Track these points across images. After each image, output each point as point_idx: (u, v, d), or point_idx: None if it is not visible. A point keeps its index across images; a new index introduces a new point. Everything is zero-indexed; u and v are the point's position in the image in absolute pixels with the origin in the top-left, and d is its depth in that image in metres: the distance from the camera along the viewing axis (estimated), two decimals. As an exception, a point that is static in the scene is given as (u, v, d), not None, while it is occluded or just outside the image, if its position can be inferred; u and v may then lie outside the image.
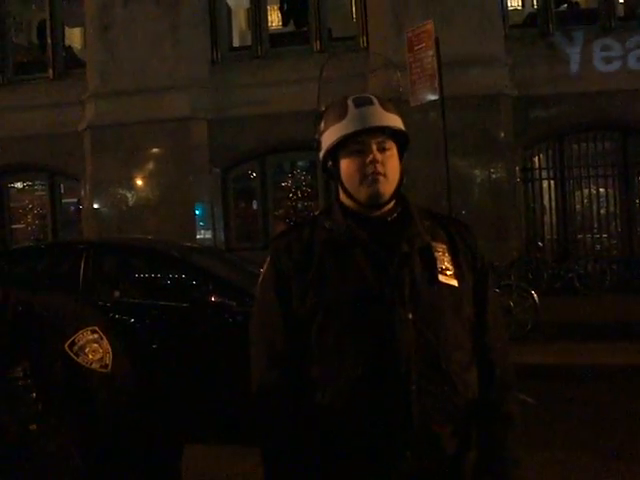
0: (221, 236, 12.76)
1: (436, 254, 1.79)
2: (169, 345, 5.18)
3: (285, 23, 14.48)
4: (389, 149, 1.79)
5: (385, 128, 1.77)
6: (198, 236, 12.26)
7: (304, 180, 13.01)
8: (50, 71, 13.79)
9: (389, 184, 1.78)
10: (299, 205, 13.06)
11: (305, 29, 13.15)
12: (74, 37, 18.36)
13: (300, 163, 13.31)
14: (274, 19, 16.41)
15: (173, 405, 4.56)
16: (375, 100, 1.80)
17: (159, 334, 5.25)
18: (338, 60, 10.78)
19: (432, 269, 1.77)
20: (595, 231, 12.87)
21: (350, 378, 1.71)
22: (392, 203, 1.83)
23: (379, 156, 1.76)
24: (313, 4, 12.71)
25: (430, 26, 8.27)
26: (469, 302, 1.82)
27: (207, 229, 12.54)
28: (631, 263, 12.17)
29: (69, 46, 15.48)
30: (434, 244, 1.81)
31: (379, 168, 1.75)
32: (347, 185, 1.80)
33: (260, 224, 12.93)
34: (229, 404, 4.89)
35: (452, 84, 8.80)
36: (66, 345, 1.54)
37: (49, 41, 13.90)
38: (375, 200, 1.78)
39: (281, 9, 14.53)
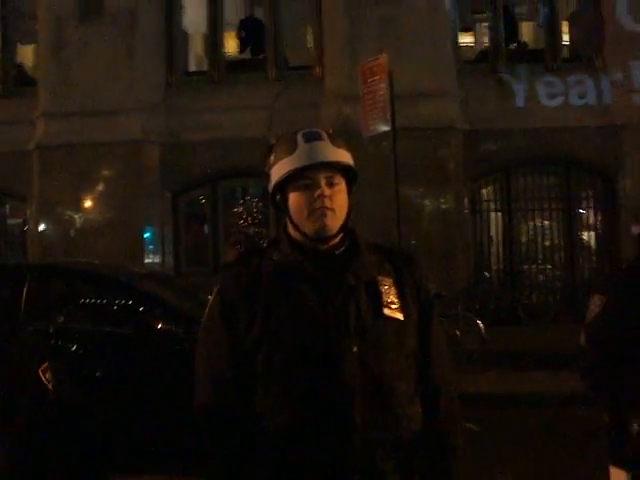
0: (170, 260, 12.62)
1: (382, 288, 1.82)
2: (113, 372, 5.08)
3: (242, 50, 14.55)
4: (338, 184, 1.81)
5: (334, 163, 1.80)
6: (147, 260, 12.11)
7: (255, 206, 13.01)
8: (-1, 88, 13.53)
9: (337, 218, 1.81)
10: (250, 231, 13.03)
11: (261, 57, 13.24)
12: (26, 55, 18.09)
13: (252, 189, 13.31)
14: (231, 45, 16.47)
15: (110, 432, 4.47)
16: (324, 135, 1.83)
17: (104, 360, 5.14)
18: (292, 89, 10.90)
19: (378, 303, 1.80)
20: (539, 262, 13.19)
21: (294, 409, 1.72)
22: (340, 236, 1.85)
23: (327, 191, 1.78)
24: (270, 32, 12.84)
25: (384, 59, 8.43)
26: (414, 335, 1.85)
27: (156, 253, 12.40)
28: (573, 294, 12.48)
29: (20, 64, 15.23)
30: (380, 278, 1.83)
31: (327, 203, 1.78)
32: (295, 218, 1.82)
33: (210, 249, 12.84)
34: (172, 432, 4.81)
35: (405, 116, 8.97)
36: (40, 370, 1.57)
37: (-1, 57, 13.66)
38: (322, 233, 1.80)
39: (238, 35, 14.59)
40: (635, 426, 2.54)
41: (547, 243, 13.28)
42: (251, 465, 1.75)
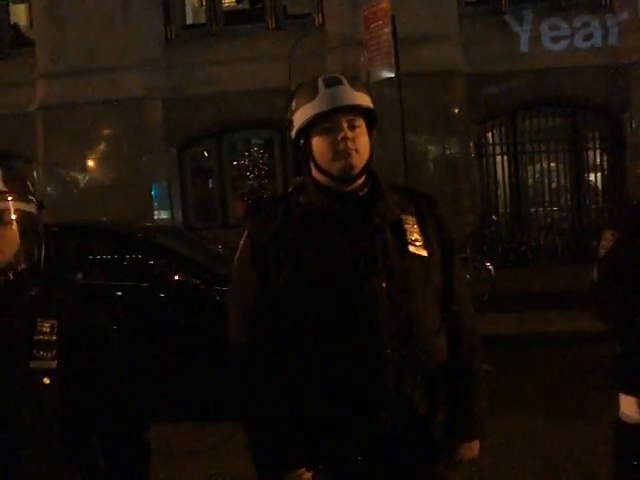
0: (179, 216, 12.69)
1: (406, 226, 1.89)
2: (136, 325, 5.20)
3: (239, 0, 14.32)
4: (359, 126, 1.87)
5: (355, 107, 1.86)
6: (155, 216, 12.17)
7: (260, 158, 12.99)
8: (-5, 50, 13.39)
9: (360, 158, 1.87)
10: (256, 183, 13.05)
11: (260, 6, 13.04)
12: (20, 14, 17.82)
13: (255, 141, 13.27)
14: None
15: (138, 383, 4.60)
16: (344, 80, 1.88)
17: (125, 314, 5.26)
18: (294, 38, 10.76)
19: (403, 240, 1.87)
20: (546, 204, 13.21)
21: (327, 342, 1.81)
22: (363, 178, 1.92)
23: (350, 133, 1.85)
24: (267, -19, 12.58)
25: (386, 4, 8.33)
26: (438, 271, 1.93)
27: (164, 209, 12.46)
28: (580, 234, 12.54)
29: (15, 24, 15.03)
30: (404, 217, 1.91)
31: (350, 144, 1.84)
32: (320, 161, 1.88)
33: (218, 203, 12.90)
34: (193, 381, 4.97)
35: (407, 61, 8.91)
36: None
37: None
38: (347, 172, 1.87)
39: (235, -16, 14.35)
40: None
41: (553, 185, 13.27)
42: (283, 400, 1.84)
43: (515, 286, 9.42)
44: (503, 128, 12.99)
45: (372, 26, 8.58)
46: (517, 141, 12.88)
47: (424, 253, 1.89)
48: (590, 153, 13.02)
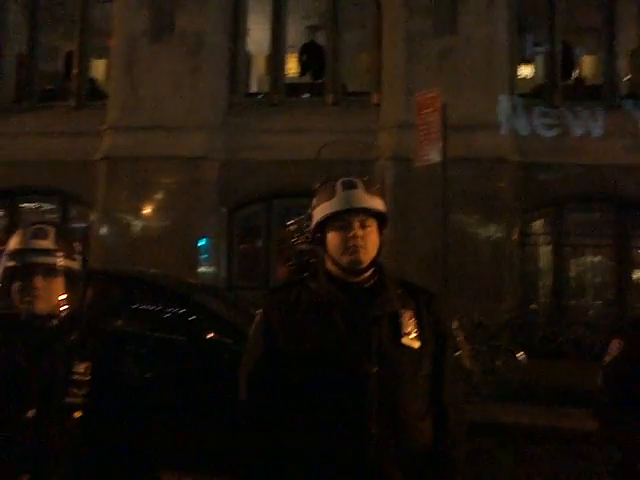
0: (223, 273, 13.02)
1: (403, 319, 2.12)
2: (164, 375, 5.43)
3: (302, 73, 14.96)
4: (369, 226, 2.14)
5: (366, 209, 2.12)
6: (200, 270, 12.52)
7: (306, 225, 13.23)
8: (72, 100, 14.22)
9: (367, 254, 2.13)
10: (301, 248, 13.29)
11: (321, 81, 13.62)
12: (98, 69, 18.95)
13: (304, 209, 13.53)
14: (292, 68, 16.91)
15: (156, 432, 4.80)
16: (360, 184, 2.16)
17: (156, 364, 5.50)
18: (349, 114, 11.21)
19: (397, 332, 2.09)
20: (588, 298, 13.12)
21: (316, 418, 2.01)
22: (370, 272, 2.16)
23: (360, 232, 2.11)
24: (330, 57, 13.18)
25: (437, 93, 8.70)
26: (429, 361, 2.13)
27: (210, 265, 12.81)
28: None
29: (93, 78, 15.99)
30: (402, 310, 2.13)
31: (359, 242, 2.10)
32: (332, 253, 2.14)
33: (262, 265, 13.19)
34: (213, 435, 5.15)
35: (458, 146, 9.19)
36: None
37: (74, 71, 14.35)
38: (355, 266, 2.12)
39: (300, 59, 15.02)
40: None
41: (597, 280, 13.22)
42: (276, 461, 2.04)
43: (546, 379, 9.34)
44: (548, 218, 13.09)
45: (424, 111, 8.94)
46: (562, 232, 12.95)
47: (416, 345, 2.10)
48: (635, 251, 12.98)
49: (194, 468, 5.22)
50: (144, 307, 6.38)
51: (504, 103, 11.95)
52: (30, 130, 13.71)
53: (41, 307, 1.98)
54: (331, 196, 2.13)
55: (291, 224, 13.44)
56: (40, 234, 2.01)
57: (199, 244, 12.60)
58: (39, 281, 1.97)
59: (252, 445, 2.07)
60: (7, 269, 1.99)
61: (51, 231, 2.03)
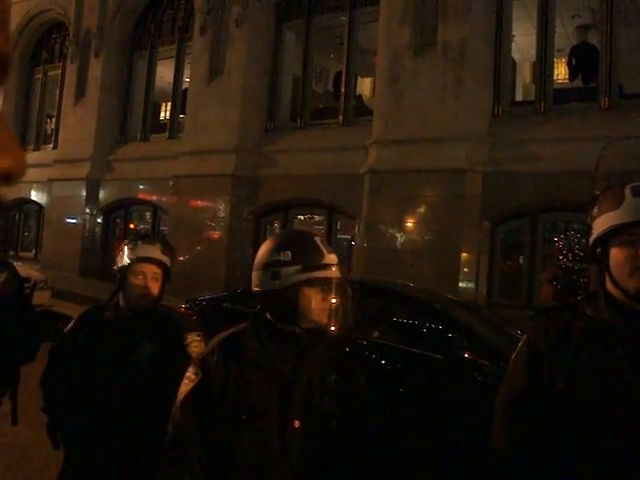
0: (484, 290, 12.60)
1: None
2: (415, 393, 5.28)
3: (572, 78, 13.93)
4: None
5: None
6: (460, 286, 12.24)
7: (577, 243, 12.30)
8: (340, 117, 14.93)
9: None
10: (568, 267, 12.36)
11: (593, 85, 12.55)
12: (364, 86, 19.72)
13: (575, 225, 12.63)
14: (560, 72, 15.93)
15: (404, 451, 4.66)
16: None
17: (410, 380, 5.38)
18: (626, 119, 10.13)
19: None
20: None
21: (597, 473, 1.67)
22: None
23: None
24: (604, 58, 12.04)
25: None
26: None
27: (470, 281, 12.47)
28: None
29: (359, 95, 16.63)
30: None
31: None
32: (615, 275, 1.77)
33: (525, 283, 12.51)
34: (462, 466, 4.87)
35: None
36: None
37: (342, 90, 15.06)
38: None
39: (569, 63, 14.03)
40: None
41: None
42: None
43: None
44: None
45: None
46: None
47: None
48: None
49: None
50: (401, 320, 6.30)
51: None
52: (303, 147, 14.68)
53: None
54: (618, 204, 1.75)
55: (559, 240, 12.58)
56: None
57: (460, 263, 12.28)
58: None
59: None
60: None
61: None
